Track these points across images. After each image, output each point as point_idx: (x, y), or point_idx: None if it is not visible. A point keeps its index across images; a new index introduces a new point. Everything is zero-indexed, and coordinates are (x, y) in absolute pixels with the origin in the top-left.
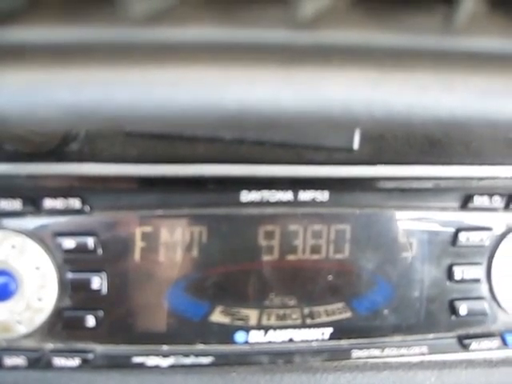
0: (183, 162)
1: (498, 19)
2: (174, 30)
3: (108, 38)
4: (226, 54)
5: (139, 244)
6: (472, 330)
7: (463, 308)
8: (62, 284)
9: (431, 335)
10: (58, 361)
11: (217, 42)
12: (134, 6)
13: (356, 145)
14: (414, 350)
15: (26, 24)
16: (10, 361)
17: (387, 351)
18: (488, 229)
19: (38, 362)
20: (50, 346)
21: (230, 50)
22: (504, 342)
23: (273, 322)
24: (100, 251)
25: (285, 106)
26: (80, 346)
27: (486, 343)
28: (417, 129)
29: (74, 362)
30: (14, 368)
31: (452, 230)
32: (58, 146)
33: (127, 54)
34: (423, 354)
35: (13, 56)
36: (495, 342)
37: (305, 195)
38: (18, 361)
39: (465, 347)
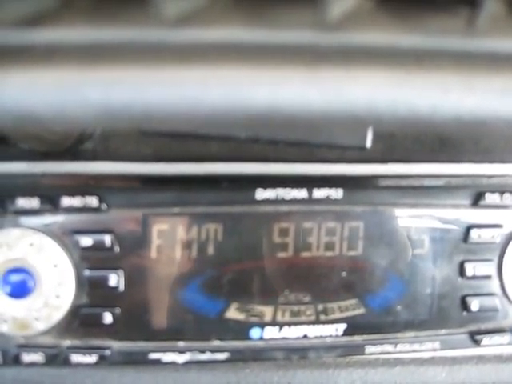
0: (199, 161)
1: None
2: (204, 31)
3: (139, 38)
4: (254, 55)
5: (155, 241)
6: (483, 326)
7: (475, 304)
8: (80, 281)
9: (443, 331)
10: (76, 357)
11: (246, 43)
12: (167, 8)
13: (369, 143)
14: (427, 346)
15: (58, 24)
16: (28, 357)
17: (400, 347)
18: (499, 226)
19: (56, 359)
20: (67, 342)
21: (258, 50)
22: None
23: (287, 318)
24: (117, 249)
25: (311, 106)
26: (97, 342)
27: (497, 339)
28: (439, 128)
29: (91, 358)
30: (32, 364)
31: (463, 227)
32: (73, 145)
33: (158, 55)
34: (435, 350)
35: (45, 56)
36: (506, 338)
37: (319, 193)
38: (36, 357)
39: (476, 343)
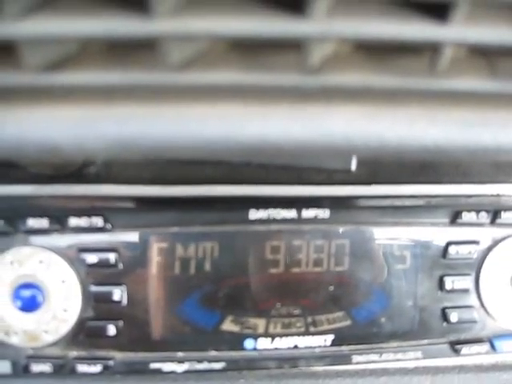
0: (196, 183)
1: (475, 62)
2: (203, 75)
3: (148, 80)
4: (246, 94)
5: (156, 259)
6: (463, 336)
7: (454, 316)
8: (86, 296)
9: (425, 341)
10: (81, 367)
11: (239, 84)
12: (171, 54)
13: (354, 166)
14: (410, 355)
15: (77, 68)
16: (37, 367)
17: (385, 356)
18: (476, 242)
19: (63, 369)
20: (73, 353)
21: (250, 90)
22: (492, 347)
23: (279, 330)
24: (121, 265)
25: (295, 138)
26: (101, 353)
27: (475, 348)
28: (406, 156)
29: (96, 368)
30: (40, 374)
31: (442, 243)
32: (78, 169)
33: (164, 95)
34: (418, 359)
35: (65, 95)
36: (484, 347)
37: (307, 213)
38: (44, 367)
39: (456, 352)
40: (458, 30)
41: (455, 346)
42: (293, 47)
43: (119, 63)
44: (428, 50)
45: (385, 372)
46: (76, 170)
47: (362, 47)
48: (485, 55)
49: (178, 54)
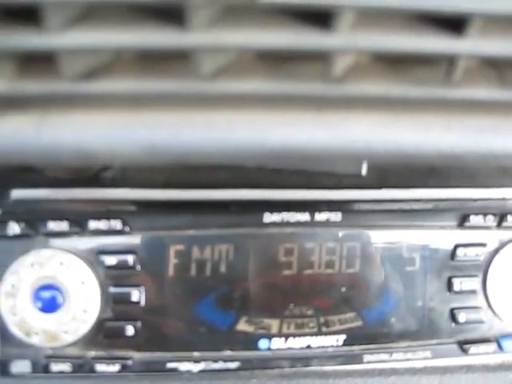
0: (212, 187)
1: (486, 73)
2: (232, 84)
3: (179, 89)
4: (273, 103)
5: (173, 261)
6: (471, 336)
7: (462, 316)
8: (105, 297)
9: (434, 341)
10: (100, 367)
11: (266, 93)
12: (203, 64)
13: (364, 171)
14: (419, 355)
15: (111, 77)
16: (56, 367)
17: (395, 355)
18: (483, 245)
19: (82, 368)
20: (92, 353)
21: (276, 99)
22: (499, 347)
23: (292, 330)
24: (139, 267)
25: (318, 143)
26: (120, 353)
27: (483, 348)
28: (422, 162)
29: (114, 367)
30: (60, 373)
31: (451, 246)
32: (94, 174)
33: (194, 102)
34: (427, 359)
35: (101, 103)
36: (492, 347)
37: (320, 216)
38: (64, 367)
39: (464, 352)
40: (472, 44)
41: (463, 346)
42: (317, 58)
43: (151, 72)
44: (443, 62)
45: (394, 372)
46: (93, 175)
47: (380, 58)
48: (495, 66)
49: (209, 64)
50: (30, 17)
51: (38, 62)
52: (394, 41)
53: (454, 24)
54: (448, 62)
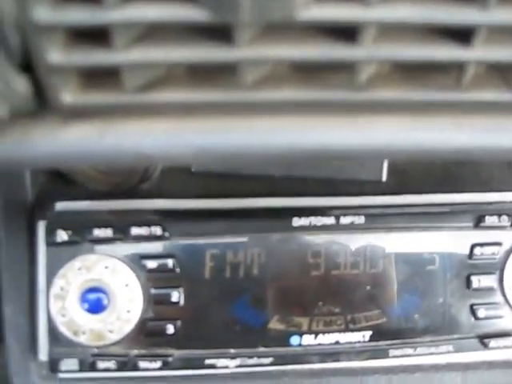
0: (244, 196)
1: (493, 77)
2: (270, 93)
3: (225, 98)
4: (306, 109)
5: (209, 264)
6: (490, 331)
7: (481, 312)
8: (147, 298)
9: (455, 335)
10: (143, 364)
11: (299, 100)
12: (245, 75)
13: (384, 177)
14: (442, 349)
15: (165, 89)
16: (102, 364)
17: (419, 350)
18: (499, 244)
19: (125, 366)
20: (135, 351)
21: (308, 105)
22: None
23: (321, 327)
24: (178, 270)
25: (346, 144)
26: (161, 351)
27: (503, 341)
28: (438, 158)
29: (156, 364)
30: (105, 371)
31: (468, 245)
32: (134, 185)
33: (238, 110)
34: (450, 352)
35: (156, 112)
36: (511, 341)
37: (345, 220)
38: (109, 364)
39: (485, 346)
40: (479, 52)
41: (483, 340)
42: (343, 68)
43: (201, 84)
44: (454, 68)
45: (418, 368)
46: (132, 187)
47: (398, 67)
48: (501, 71)
49: (252, 76)
50: (94, 36)
51: (101, 76)
52: (410, 51)
53: (463, 35)
54: (458, 68)
